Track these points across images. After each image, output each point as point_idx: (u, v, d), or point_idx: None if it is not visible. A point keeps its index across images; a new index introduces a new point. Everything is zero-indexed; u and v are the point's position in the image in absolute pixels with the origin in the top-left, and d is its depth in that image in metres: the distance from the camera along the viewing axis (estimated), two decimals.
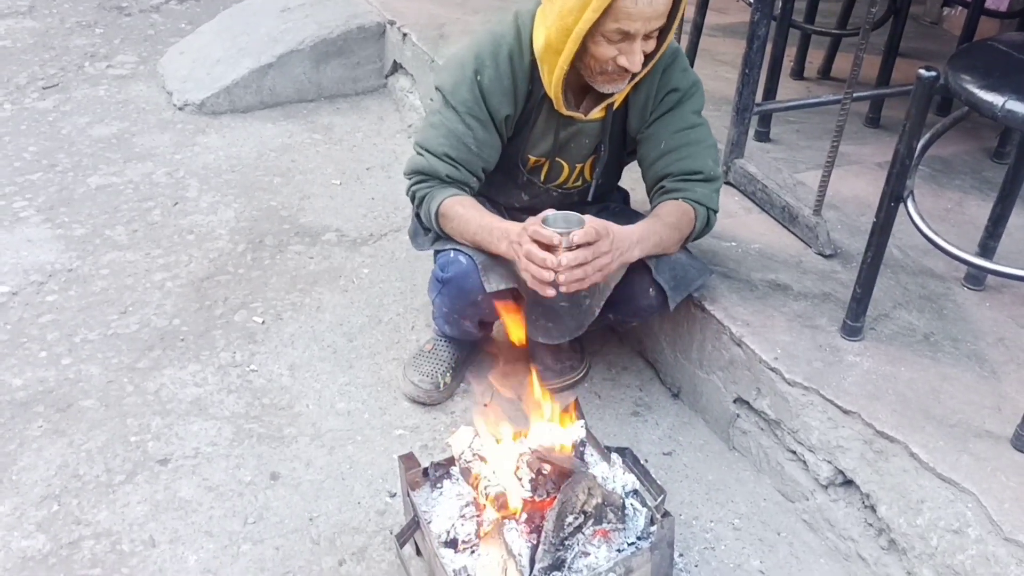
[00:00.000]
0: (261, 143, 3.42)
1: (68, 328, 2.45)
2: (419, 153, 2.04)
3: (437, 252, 2.09)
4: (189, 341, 2.43)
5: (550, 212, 1.81)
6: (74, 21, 4.36)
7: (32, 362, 2.34)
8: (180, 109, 3.60)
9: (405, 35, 3.58)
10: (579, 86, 1.98)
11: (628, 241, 1.85)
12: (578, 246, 1.75)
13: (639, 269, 1.99)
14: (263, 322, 2.51)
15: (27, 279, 2.63)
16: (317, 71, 3.72)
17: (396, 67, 3.75)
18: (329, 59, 3.72)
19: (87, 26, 4.32)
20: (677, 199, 2.01)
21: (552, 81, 1.89)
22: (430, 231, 2.16)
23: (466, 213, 1.97)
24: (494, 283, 1.94)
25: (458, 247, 2.01)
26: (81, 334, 2.44)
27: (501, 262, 1.95)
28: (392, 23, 3.69)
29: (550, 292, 1.78)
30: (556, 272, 1.75)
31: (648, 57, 1.87)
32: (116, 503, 1.97)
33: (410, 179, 2.07)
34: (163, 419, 2.18)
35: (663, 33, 1.85)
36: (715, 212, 2.05)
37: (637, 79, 1.94)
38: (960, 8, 3.54)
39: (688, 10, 2.82)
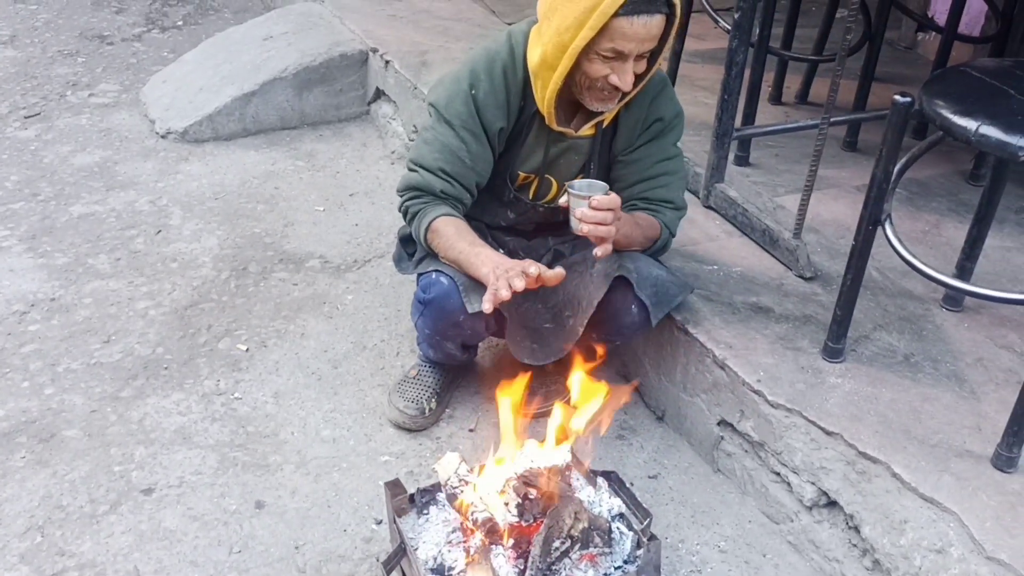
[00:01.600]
0: (244, 170, 3.43)
1: (51, 358, 2.44)
2: (413, 170, 2.05)
3: (420, 275, 2.10)
4: (173, 369, 2.42)
5: (577, 180, 1.94)
6: (56, 50, 4.36)
7: (15, 392, 2.32)
8: (163, 137, 3.61)
9: (388, 62, 3.61)
10: (570, 104, 2.02)
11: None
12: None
13: (621, 287, 2.02)
14: (247, 350, 2.50)
15: (9, 309, 2.62)
16: (300, 99, 3.74)
17: (379, 94, 3.77)
18: (312, 87, 3.73)
19: (69, 55, 4.32)
20: (648, 214, 2.12)
21: (546, 96, 1.94)
22: (414, 256, 2.18)
23: (456, 233, 1.99)
24: (475, 304, 1.95)
25: (440, 268, 2.02)
26: (64, 363, 2.42)
27: (482, 285, 1.96)
28: (375, 51, 3.72)
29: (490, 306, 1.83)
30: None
31: (639, 78, 1.91)
32: (100, 534, 1.95)
33: (403, 195, 2.08)
34: (147, 448, 2.17)
35: (654, 55, 1.90)
36: (672, 235, 2.19)
37: (627, 99, 1.98)
38: (934, 33, 3.60)
39: None
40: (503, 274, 1.82)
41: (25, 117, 3.73)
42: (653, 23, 1.80)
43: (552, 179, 2.14)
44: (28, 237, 2.95)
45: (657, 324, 2.07)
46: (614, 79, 1.86)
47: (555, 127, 2.01)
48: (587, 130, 2.04)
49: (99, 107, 3.85)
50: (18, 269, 2.79)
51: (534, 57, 1.93)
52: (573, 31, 1.80)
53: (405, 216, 2.09)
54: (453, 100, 2.01)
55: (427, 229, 2.01)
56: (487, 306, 1.82)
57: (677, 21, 1.86)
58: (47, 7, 4.84)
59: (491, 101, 1.99)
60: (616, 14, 1.76)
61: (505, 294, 1.78)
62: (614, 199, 1.86)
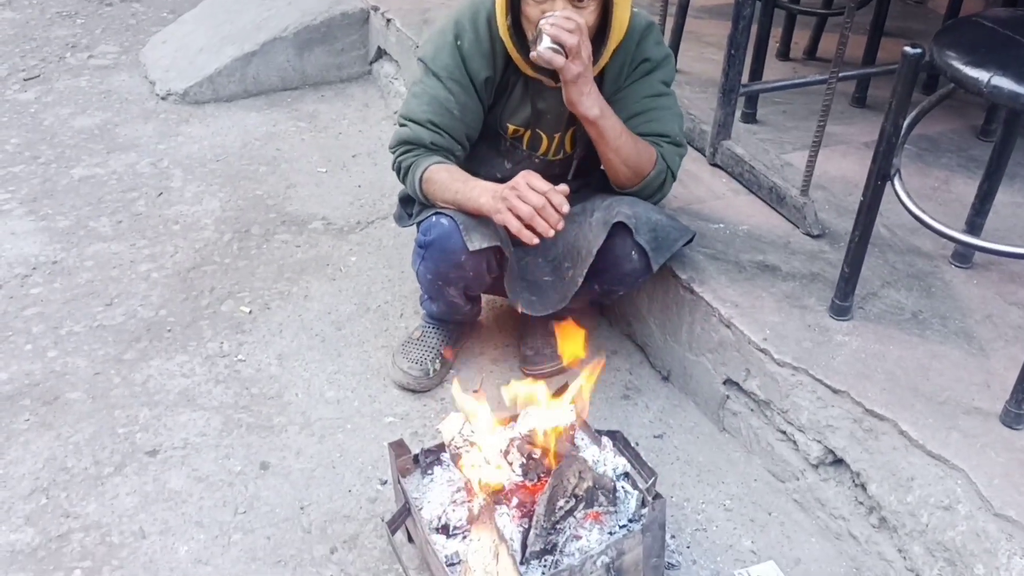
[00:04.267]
0: (245, 132, 3.40)
1: (54, 320, 2.44)
2: (403, 124, 2.05)
3: (420, 223, 2.08)
4: (176, 332, 2.41)
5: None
6: (55, 11, 4.31)
7: (18, 355, 2.32)
8: (163, 99, 3.57)
9: (389, 21, 3.56)
10: None
11: (589, 75, 1.89)
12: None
13: (620, 233, 2.00)
14: (250, 312, 2.49)
15: (11, 272, 2.60)
16: (301, 58, 3.69)
17: (381, 53, 3.72)
18: (313, 46, 3.69)
19: (68, 16, 4.27)
20: None
21: (505, 42, 1.94)
22: (413, 210, 2.16)
23: (449, 175, 1.98)
24: (476, 242, 1.94)
25: (439, 211, 2.01)
26: (67, 326, 2.42)
27: (483, 221, 1.95)
28: (376, 9, 3.66)
29: (533, 238, 1.81)
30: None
31: (595, 36, 1.89)
32: (105, 495, 1.96)
33: (395, 151, 2.07)
34: (151, 410, 2.17)
35: (608, 8, 1.87)
36: (673, 176, 2.11)
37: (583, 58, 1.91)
38: None
39: None
40: (510, 193, 1.82)
41: (24, 79, 3.70)
42: None
43: (542, 133, 2.12)
44: (29, 200, 2.93)
45: (659, 272, 2.06)
46: (545, 25, 1.83)
47: (529, 72, 1.98)
48: None
49: (99, 69, 3.81)
50: (19, 232, 2.78)
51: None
52: None
53: (398, 172, 2.08)
54: (440, 52, 2.01)
55: (421, 180, 2.00)
56: (515, 228, 1.80)
57: None
58: None
59: (476, 51, 1.99)
60: None
61: (547, 230, 1.78)
62: (578, 17, 1.81)
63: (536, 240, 1.81)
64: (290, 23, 3.64)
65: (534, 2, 1.85)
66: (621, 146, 1.98)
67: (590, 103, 1.90)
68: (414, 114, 2.02)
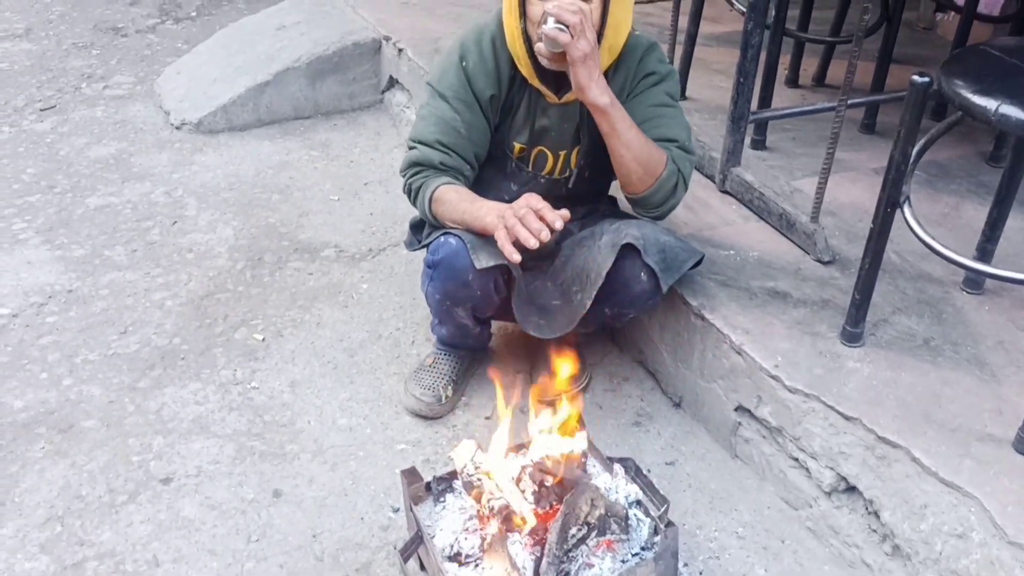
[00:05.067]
0: (259, 161, 3.43)
1: (69, 349, 2.46)
2: (412, 147, 2.09)
3: (428, 244, 2.10)
4: (190, 359, 2.43)
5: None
6: (71, 43, 4.37)
7: (33, 384, 2.34)
8: (177, 128, 3.62)
9: (401, 50, 3.60)
10: (559, 75, 2.01)
11: (600, 70, 1.91)
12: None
13: (629, 255, 2.01)
14: (263, 339, 2.51)
15: (27, 301, 2.63)
16: (313, 88, 3.73)
17: (392, 82, 3.76)
18: (325, 76, 3.73)
19: (84, 48, 4.33)
20: None
21: (515, 47, 1.98)
22: (423, 234, 2.18)
23: (458, 196, 2.01)
24: (484, 260, 1.95)
25: (448, 231, 2.03)
26: (82, 355, 2.44)
27: (491, 240, 1.95)
28: (388, 39, 3.71)
29: (514, 252, 1.83)
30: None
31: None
32: (119, 523, 1.96)
33: (405, 174, 2.10)
34: (165, 438, 2.18)
35: (606, 6, 1.91)
36: (685, 183, 2.08)
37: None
38: (953, 13, 3.56)
39: (682, 20, 2.86)
40: (508, 213, 1.85)
41: (41, 110, 3.74)
42: None
43: (547, 151, 2.15)
44: (45, 229, 2.97)
45: (668, 294, 2.07)
46: (550, 7, 1.86)
47: (536, 83, 2.03)
48: (571, 95, 2.03)
49: (114, 99, 3.86)
50: (35, 261, 2.81)
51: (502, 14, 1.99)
52: None
53: (409, 194, 2.11)
54: (445, 74, 2.06)
55: (431, 200, 2.03)
56: (506, 247, 1.83)
57: None
58: (62, 0, 4.85)
59: (480, 70, 2.04)
60: None
61: (530, 240, 1.80)
62: (581, 3, 1.86)
63: (517, 256, 1.83)
64: (303, 53, 3.69)
65: (537, 0, 1.90)
66: (632, 140, 1.97)
67: (599, 90, 1.91)
68: (422, 136, 2.06)
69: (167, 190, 3.21)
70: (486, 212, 1.93)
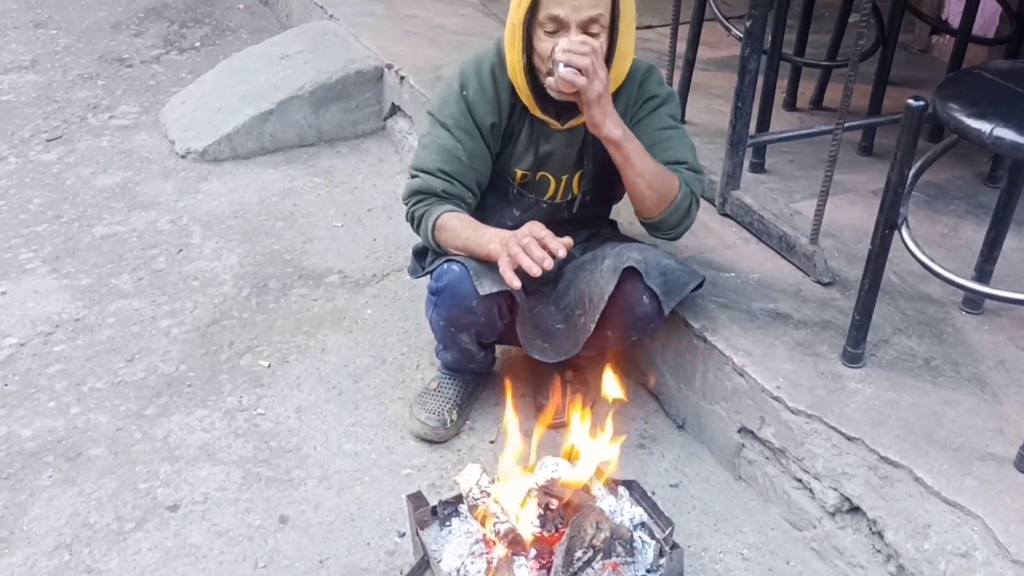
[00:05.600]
0: (263, 188, 3.46)
1: (76, 377, 2.48)
2: (414, 176, 2.11)
3: (432, 271, 2.12)
4: (196, 387, 2.45)
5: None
6: (76, 74, 4.42)
7: (41, 412, 2.35)
8: (182, 157, 3.65)
9: (403, 78, 3.64)
10: (561, 103, 2.02)
11: (609, 98, 1.92)
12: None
13: (631, 279, 2.03)
14: (269, 365, 2.53)
15: (34, 330, 2.65)
16: (317, 116, 3.77)
17: (395, 109, 3.80)
18: (328, 104, 3.77)
19: (89, 78, 4.38)
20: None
21: (516, 79, 2.00)
22: (427, 261, 2.20)
23: (460, 223, 2.03)
24: (487, 287, 1.97)
25: (451, 258, 2.05)
26: (89, 383, 2.46)
27: (494, 267, 1.96)
28: (390, 67, 3.75)
29: (514, 279, 1.84)
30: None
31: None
32: (127, 551, 1.97)
33: (408, 203, 2.12)
34: (172, 465, 2.20)
35: (614, 34, 1.93)
36: (697, 202, 2.11)
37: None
38: (948, 36, 3.60)
39: (680, 45, 2.90)
40: (511, 241, 1.86)
41: (47, 140, 3.78)
42: None
43: (550, 176, 2.17)
44: (52, 259, 2.99)
45: (670, 317, 2.09)
46: (560, 49, 1.88)
47: (538, 113, 2.05)
48: (574, 122, 2.06)
49: (119, 129, 3.90)
50: (42, 291, 2.83)
51: (503, 47, 2.01)
52: (516, 7, 1.91)
53: (412, 222, 2.13)
54: (446, 103, 2.08)
55: (434, 228, 2.05)
56: (507, 274, 1.84)
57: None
58: (67, 31, 4.91)
59: (480, 98, 2.06)
60: None
61: (532, 268, 1.81)
62: (592, 41, 1.86)
63: (517, 283, 1.84)
64: (306, 82, 3.73)
65: (545, 36, 1.91)
66: (646, 168, 1.99)
67: (612, 124, 1.92)
68: (424, 164, 2.08)
69: (172, 218, 3.24)
70: (489, 239, 1.95)
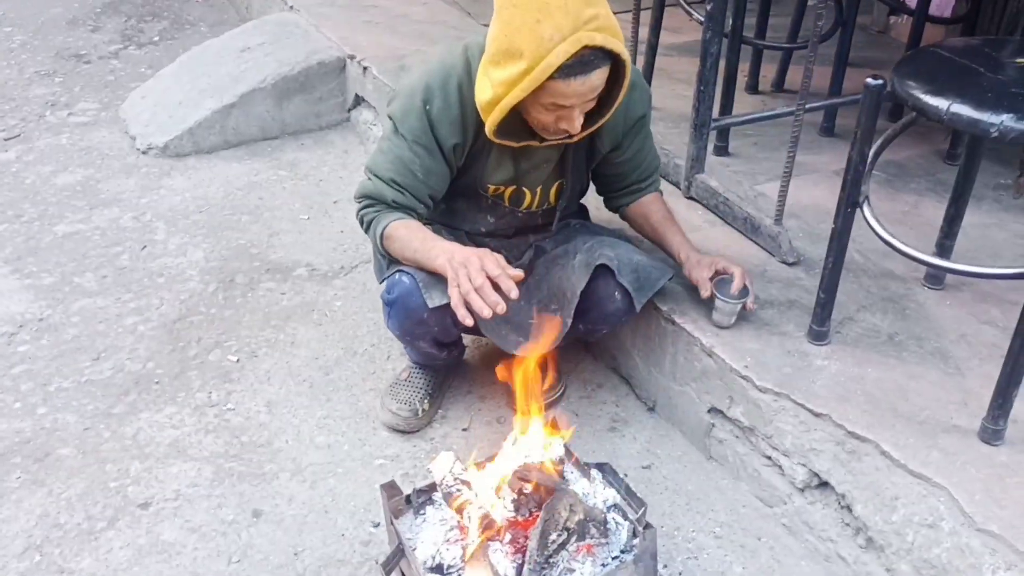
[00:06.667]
0: (227, 182, 3.43)
1: (42, 377, 2.44)
2: (368, 178, 2.07)
3: (385, 279, 2.11)
4: (164, 383, 2.43)
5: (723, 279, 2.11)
6: (33, 71, 4.35)
7: (7, 413, 2.32)
8: (144, 153, 3.60)
9: (366, 68, 3.62)
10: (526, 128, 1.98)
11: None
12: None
13: (603, 275, 2.05)
14: (238, 360, 2.51)
15: None
16: (280, 108, 3.74)
17: (358, 100, 3.78)
18: (291, 96, 3.74)
19: (46, 75, 4.31)
20: (651, 193, 2.30)
21: (486, 117, 1.88)
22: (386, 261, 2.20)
23: (408, 234, 1.99)
24: (436, 299, 1.96)
25: (401, 268, 2.04)
26: (55, 383, 2.43)
27: (443, 278, 1.92)
28: (352, 57, 3.72)
29: (467, 316, 1.80)
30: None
31: (593, 115, 1.91)
32: (99, 550, 1.96)
33: (359, 203, 2.10)
34: (142, 463, 2.18)
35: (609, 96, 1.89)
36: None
37: (584, 135, 1.95)
38: (906, 16, 3.64)
39: (642, 31, 2.90)
40: (459, 267, 1.82)
41: (5, 139, 3.72)
42: (592, 79, 1.77)
43: (526, 189, 2.15)
44: (13, 259, 2.95)
45: (641, 309, 2.10)
46: (563, 125, 1.86)
47: (499, 142, 1.94)
48: (553, 142, 2.01)
49: (79, 126, 3.85)
50: (4, 291, 2.79)
51: (479, 93, 1.87)
52: (506, 87, 1.78)
53: (361, 223, 2.10)
54: (408, 115, 1.98)
55: (382, 236, 2.02)
56: (460, 311, 1.80)
57: (627, 67, 1.83)
58: (22, 28, 4.83)
59: (445, 118, 1.96)
60: (551, 77, 1.73)
61: (484, 311, 1.77)
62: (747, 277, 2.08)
63: (470, 320, 1.80)
64: (268, 74, 3.70)
65: (546, 110, 1.84)
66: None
67: (694, 262, 2.16)
68: (378, 170, 2.04)
69: (135, 215, 3.20)
70: (436, 254, 1.90)
